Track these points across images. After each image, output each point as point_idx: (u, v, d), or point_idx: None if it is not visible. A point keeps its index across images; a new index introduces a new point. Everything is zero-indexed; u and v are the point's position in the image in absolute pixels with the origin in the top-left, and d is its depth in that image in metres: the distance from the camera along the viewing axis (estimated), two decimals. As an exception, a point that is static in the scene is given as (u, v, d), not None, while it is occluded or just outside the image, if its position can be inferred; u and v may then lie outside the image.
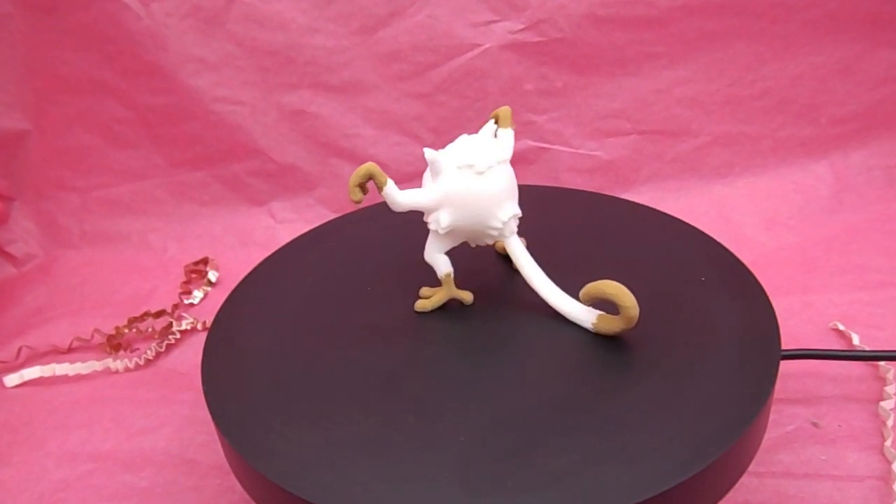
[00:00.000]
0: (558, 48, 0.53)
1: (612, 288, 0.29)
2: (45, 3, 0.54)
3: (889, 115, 0.55)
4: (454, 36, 0.53)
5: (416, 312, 0.33)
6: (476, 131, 0.32)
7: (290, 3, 0.53)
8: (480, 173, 0.30)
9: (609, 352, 0.30)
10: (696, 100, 0.55)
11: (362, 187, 0.30)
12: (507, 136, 0.33)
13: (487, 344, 0.31)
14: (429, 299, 0.33)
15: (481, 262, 0.36)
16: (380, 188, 0.30)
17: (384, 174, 0.30)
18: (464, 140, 0.31)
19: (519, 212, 0.32)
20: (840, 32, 0.52)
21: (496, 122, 0.33)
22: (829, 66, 0.53)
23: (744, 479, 0.33)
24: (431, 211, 0.31)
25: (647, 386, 0.28)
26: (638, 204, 0.41)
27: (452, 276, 0.33)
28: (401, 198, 0.30)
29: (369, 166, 0.29)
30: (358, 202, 0.30)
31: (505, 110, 0.33)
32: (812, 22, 0.52)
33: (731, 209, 0.55)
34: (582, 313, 0.31)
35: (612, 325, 0.30)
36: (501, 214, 0.31)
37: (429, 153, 0.30)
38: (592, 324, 0.30)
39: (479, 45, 0.53)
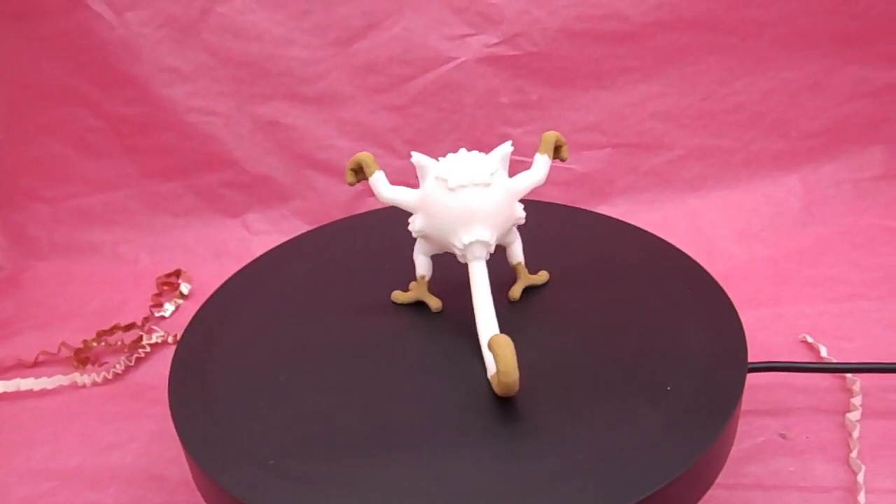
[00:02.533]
0: (533, 62, 0.53)
1: (500, 347, 0.25)
2: (16, 10, 0.53)
3: (857, 129, 0.56)
4: (430, 49, 0.53)
5: (391, 326, 0.33)
6: (451, 144, 0.33)
7: (266, 14, 0.53)
8: (451, 190, 0.30)
9: (572, 367, 0.30)
10: (670, 114, 0.55)
11: (356, 172, 0.32)
12: (540, 162, 0.32)
13: (453, 357, 0.31)
14: (404, 293, 0.34)
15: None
16: (367, 177, 0.32)
17: (375, 164, 0.32)
18: (460, 154, 0.31)
19: (486, 239, 0.30)
20: (810, 49, 0.53)
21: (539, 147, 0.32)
22: (799, 81, 0.54)
23: (713, 491, 0.33)
24: (411, 211, 0.32)
25: (614, 399, 0.28)
26: (610, 217, 0.41)
27: (427, 279, 0.34)
28: (384, 191, 0.32)
29: (362, 155, 0.32)
30: (350, 185, 0.32)
31: (547, 136, 0.32)
32: (782, 38, 0.53)
33: (705, 221, 0.55)
34: (490, 361, 0.28)
35: (495, 384, 0.27)
36: (464, 237, 0.30)
37: (416, 157, 0.31)
38: (491, 376, 0.28)
39: (455, 59, 0.53)
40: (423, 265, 0.33)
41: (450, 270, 0.33)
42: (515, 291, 0.34)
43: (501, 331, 0.30)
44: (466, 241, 0.30)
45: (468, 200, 0.30)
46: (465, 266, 0.31)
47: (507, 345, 0.25)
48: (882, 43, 0.53)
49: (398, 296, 0.34)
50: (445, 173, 0.30)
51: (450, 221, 0.30)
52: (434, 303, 0.34)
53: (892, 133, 0.56)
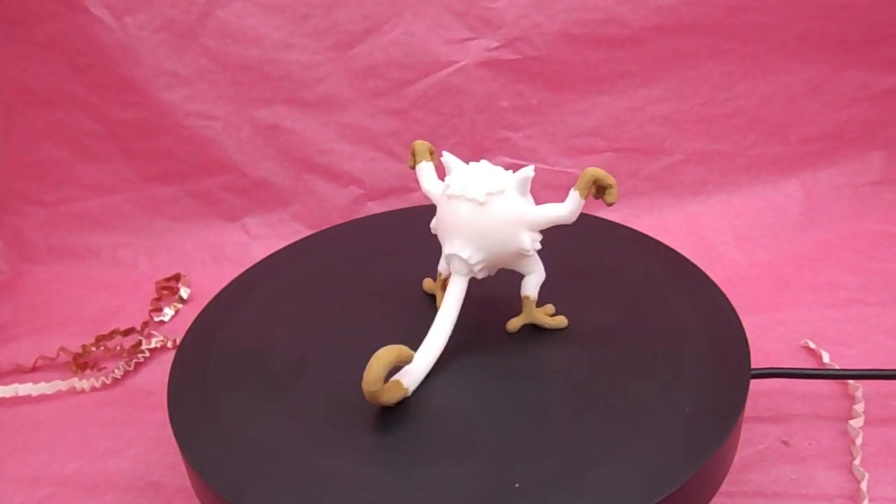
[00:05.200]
0: (533, 66, 0.53)
1: (373, 357, 0.26)
2: (14, 14, 0.53)
3: (856, 134, 0.56)
4: (430, 53, 0.53)
5: (389, 330, 0.33)
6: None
7: (265, 18, 0.52)
8: (448, 197, 0.30)
9: (570, 372, 0.30)
10: (670, 118, 0.55)
11: (413, 158, 0.33)
12: (570, 199, 0.29)
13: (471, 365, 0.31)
14: (432, 283, 0.35)
15: (502, 290, 0.34)
16: (414, 164, 0.33)
17: (425, 154, 0.32)
18: (479, 165, 0.30)
19: (465, 256, 0.29)
20: (808, 53, 0.53)
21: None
22: (798, 86, 0.54)
23: (716, 499, 0.33)
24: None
25: (618, 405, 0.28)
26: (610, 221, 0.41)
27: (444, 276, 0.34)
28: (423, 181, 0.32)
29: (417, 143, 0.32)
30: (412, 168, 0.33)
31: (587, 173, 0.28)
32: (781, 43, 0.53)
33: (705, 226, 0.55)
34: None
35: None
36: (446, 247, 0.30)
37: (445, 156, 0.31)
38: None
39: (455, 63, 0.53)
40: (442, 262, 0.34)
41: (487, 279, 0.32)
42: (513, 324, 0.32)
43: (487, 335, 0.31)
44: (447, 252, 0.30)
45: (457, 212, 0.29)
46: (493, 277, 0.31)
47: (379, 356, 0.26)
48: (881, 48, 0.53)
49: (426, 283, 0.36)
50: (450, 179, 0.30)
51: (443, 228, 0.30)
52: (441, 301, 0.34)
53: (892, 138, 0.56)
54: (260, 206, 0.58)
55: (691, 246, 0.53)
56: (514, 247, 0.29)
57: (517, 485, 0.25)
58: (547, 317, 0.32)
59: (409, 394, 0.29)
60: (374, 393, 0.27)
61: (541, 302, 0.33)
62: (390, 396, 0.28)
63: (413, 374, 0.29)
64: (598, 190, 0.28)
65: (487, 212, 0.29)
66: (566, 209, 0.29)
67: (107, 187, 0.58)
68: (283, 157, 0.56)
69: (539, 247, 0.30)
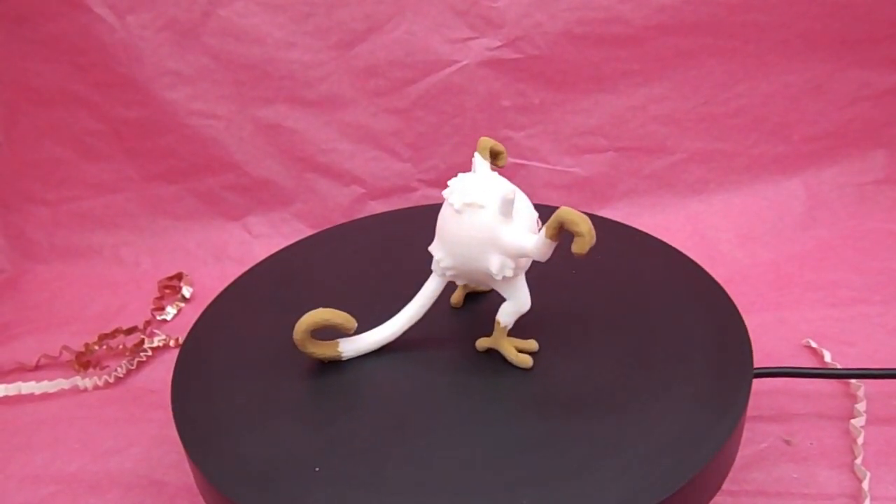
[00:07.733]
0: (535, 65, 0.53)
1: (311, 311, 0.30)
2: (15, 13, 0.53)
3: (859, 133, 0.56)
4: (432, 52, 0.53)
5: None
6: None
7: (267, 17, 0.52)
8: (444, 197, 0.30)
9: (572, 372, 0.30)
10: (672, 117, 0.55)
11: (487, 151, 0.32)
12: (539, 235, 0.27)
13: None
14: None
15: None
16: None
17: (484, 152, 0.31)
18: (483, 174, 0.29)
19: (437, 257, 0.30)
20: (810, 52, 0.53)
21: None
22: (800, 85, 0.54)
23: (717, 498, 0.33)
24: None
25: (620, 405, 0.28)
26: (612, 221, 0.41)
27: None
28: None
29: (482, 139, 0.32)
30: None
31: (557, 214, 0.25)
32: (783, 42, 0.53)
33: (707, 225, 0.55)
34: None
35: None
36: (432, 243, 0.30)
37: (476, 156, 0.31)
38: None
39: (456, 62, 0.53)
40: None
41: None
42: (480, 344, 0.31)
43: (466, 343, 0.32)
44: (429, 247, 0.30)
45: (442, 214, 0.30)
46: (504, 283, 0.30)
47: (313, 312, 0.29)
48: (884, 46, 0.53)
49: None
50: (452, 181, 0.30)
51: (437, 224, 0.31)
52: (454, 298, 0.34)
53: (894, 137, 0.56)
54: (262, 206, 0.58)
55: (693, 245, 0.53)
56: (482, 265, 0.28)
57: (316, 468, 0.26)
58: (513, 349, 0.30)
59: (342, 358, 0.31)
60: (300, 341, 0.30)
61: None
62: (318, 351, 0.31)
63: (354, 343, 0.31)
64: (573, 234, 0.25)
65: (461, 221, 0.28)
66: (532, 244, 0.27)
67: (109, 186, 0.58)
68: (285, 157, 0.57)
69: (510, 274, 0.28)
